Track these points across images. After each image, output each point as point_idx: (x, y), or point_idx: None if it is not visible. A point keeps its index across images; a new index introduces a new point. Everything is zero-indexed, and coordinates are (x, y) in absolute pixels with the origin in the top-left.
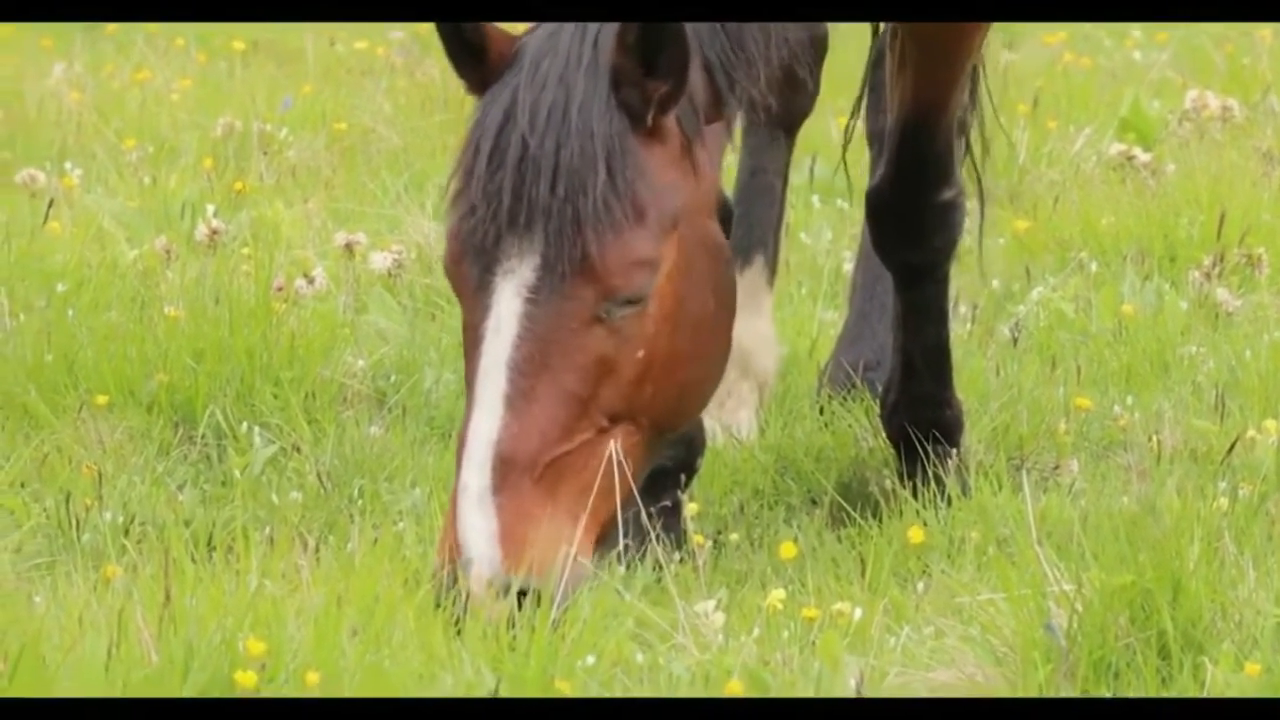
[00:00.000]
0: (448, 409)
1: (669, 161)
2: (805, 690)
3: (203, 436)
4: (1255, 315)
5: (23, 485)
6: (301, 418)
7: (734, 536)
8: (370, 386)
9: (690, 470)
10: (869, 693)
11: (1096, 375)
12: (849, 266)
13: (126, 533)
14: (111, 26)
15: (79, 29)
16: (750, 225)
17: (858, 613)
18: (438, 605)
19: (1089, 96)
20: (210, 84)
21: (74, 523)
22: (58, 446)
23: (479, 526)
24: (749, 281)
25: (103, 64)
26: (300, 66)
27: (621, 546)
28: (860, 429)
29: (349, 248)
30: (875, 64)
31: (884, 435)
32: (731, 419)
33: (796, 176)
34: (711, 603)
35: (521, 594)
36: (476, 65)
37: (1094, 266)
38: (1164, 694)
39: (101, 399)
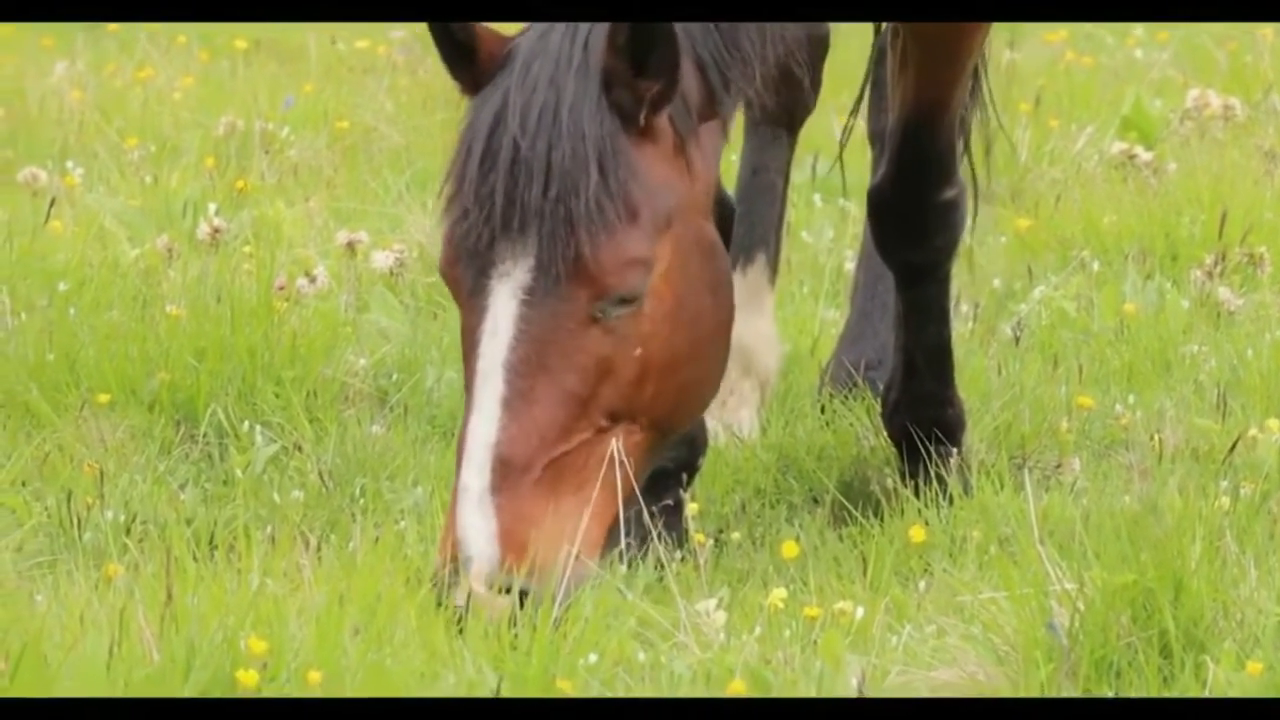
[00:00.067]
0: (449, 408)
1: (662, 161)
2: (807, 689)
3: (204, 435)
4: (1257, 314)
5: (24, 484)
6: (303, 416)
7: (735, 535)
8: (372, 385)
9: (692, 469)
10: (871, 692)
11: (1098, 374)
12: (851, 265)
13: (128, 531)
14: (113, 25)
15: (80, 27)
16: (752, 224)
17: (859, 612)
18: (439, 604)
19: (1091, 95)
20: (212, 83)
21: (75, 521)
22: (59, 445)
23: (479, 526)
24: (751, 280)
25: (104, 63)
26: (302, 65)
27: (623, 545)
28: (862, 428)
29: (351, 246)
30: (877, 63)
31: (886, 434)
32: (733, 418)
33: (798, 175)
34: (713, 601)
35: (523, 594)
36: (468, 66)
37: (1096, 265)
38: (1166, 693)
39: (103, 398)
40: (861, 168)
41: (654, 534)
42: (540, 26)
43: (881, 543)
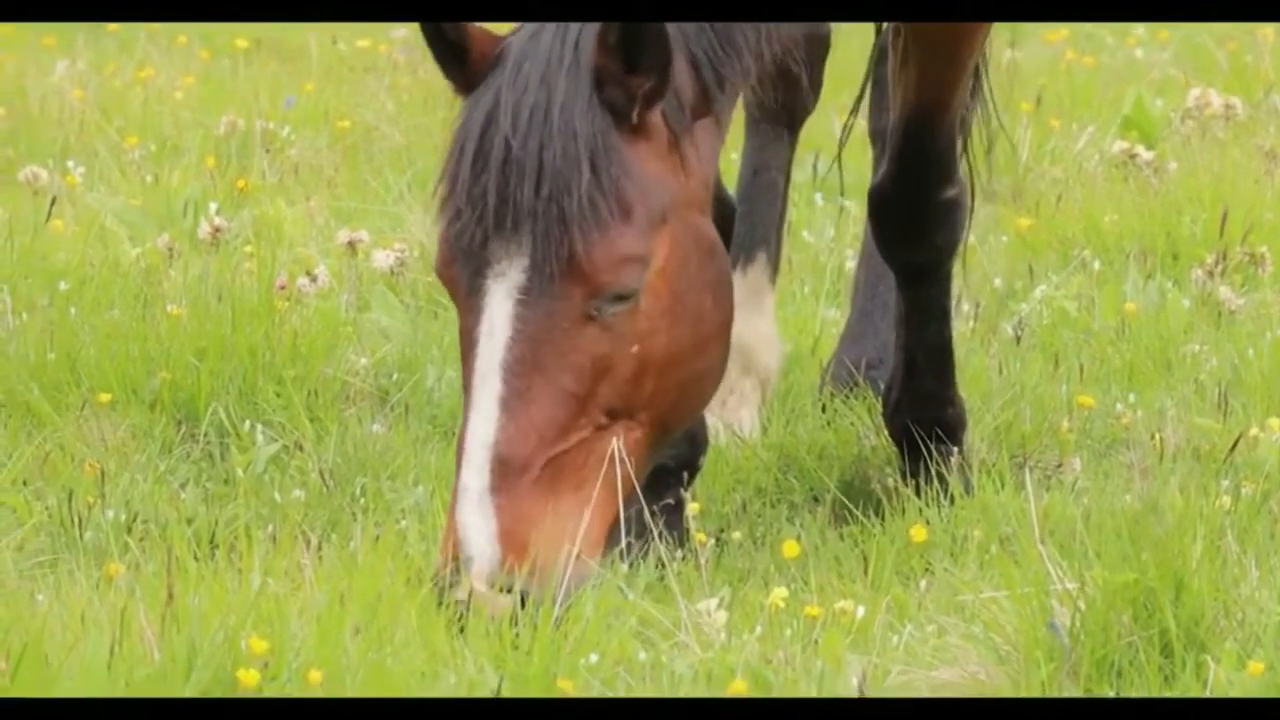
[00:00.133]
0: (450, 407)
1: (655, 157)
2: (808, 689)
3: (205, 434)
4: (1258, 313)
5: (25, 483)
6: (304, 416)
7: (736, 534)
8: (373, 384)
9: (693, 468)
10: (871, 691)
11: (1099, 373)
12: (851, 264)
13: (129, 531)
14: (114, 24)
15: (81, 27)
16: (753, 223)
17: (860, 611)
18: (440, 604)
19: (1092, 95)
20: (213, 82)
21: (76, 521)
22: (60, 444)
23: (479, 526)
24: (751, 279)
25: (105, 62)
26: (303, 64)
27: (624, 545)
28: (863, 427)
29: (351, 246)
30: (878, 62)
31: (886, 433)
32: (734, 417)
33: (799, 174)
34: (714, 601)
35: (524, 595)
36: (461, 66)
37: (1097, 264)
38: (1167, 693)
39: (104, 397)
40: (863, 167)
41: (655, 533)
42: (531, 26)
43: (882, 542)
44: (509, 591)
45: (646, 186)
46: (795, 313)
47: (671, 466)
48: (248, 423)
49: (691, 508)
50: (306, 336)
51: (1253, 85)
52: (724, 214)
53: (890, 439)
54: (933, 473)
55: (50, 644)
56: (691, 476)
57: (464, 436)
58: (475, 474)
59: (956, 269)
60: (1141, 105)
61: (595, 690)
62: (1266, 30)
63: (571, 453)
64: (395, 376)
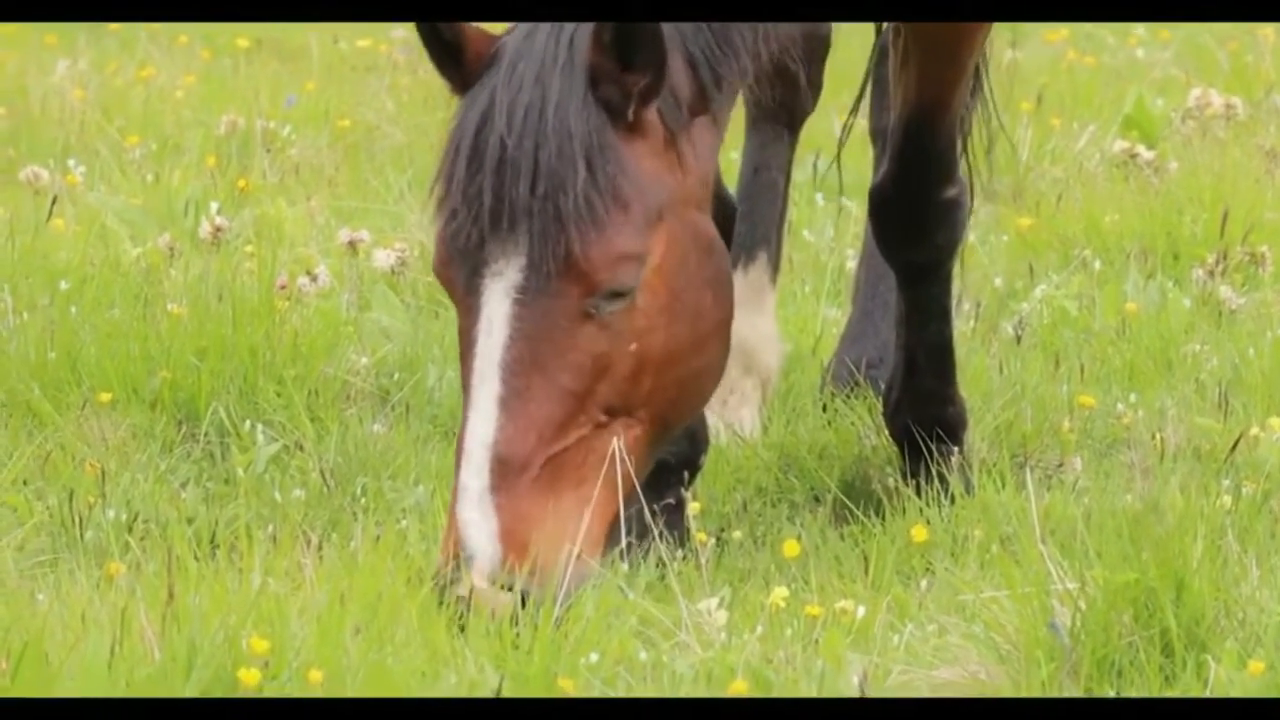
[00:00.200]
0: (451, 406)
1: (652, 155)
2: (809, 688)
3: (206, 434)
4: (1258, 313)
5: (26, 483)
6: (304, 415)
7: (737, 534)
8: (373, 384)
9: (693, 467)
10: (872, 690)
11: (1100, 373)
12: (852, 264)
13: (129, 530)
14: (115, 24)
15: (82, 27)
16: (753, 223)
17: (861, 611)
18: (441, 604)
19: (1092, 94)
20: (214, 81)
21: (77, 520)
22: (61, 444)
23: (479, 524)
24: (752, 279)
25: (106, 61)
26: (304, 64)
27: (625, 544)
28: (863, 427)
29: (352, 245)
30: (878, 62)
31: (887, 433)
32: (734, 416)
33: (799, 174)
34: (714, 600)
35: (524, 594)
36: (456, 66)
37: (1097, 264)
38: (1167, 692)
39: (104, 396)
40: (863, 167)
41: (655, 533)
42: (526, 25)
43: (883, 541)
44: (510, 589)
45: (643, 184)
46: (796, 312)
47: (672, 466)
48: (248, 422)
49: (692, 507)
50: (307, 336)
51: (1253, 85)
52: (725, 213)
53: (891, 438)
54: (933, 472)
55: (51, 643)
56: (692, 476)
57: (463, 436)
58: (475, 474)
59: (957, 268)
60: (1142, 105)
61: (596, 690)
62: (1267, 30)
63: (571, 451)
64: (396, 376)
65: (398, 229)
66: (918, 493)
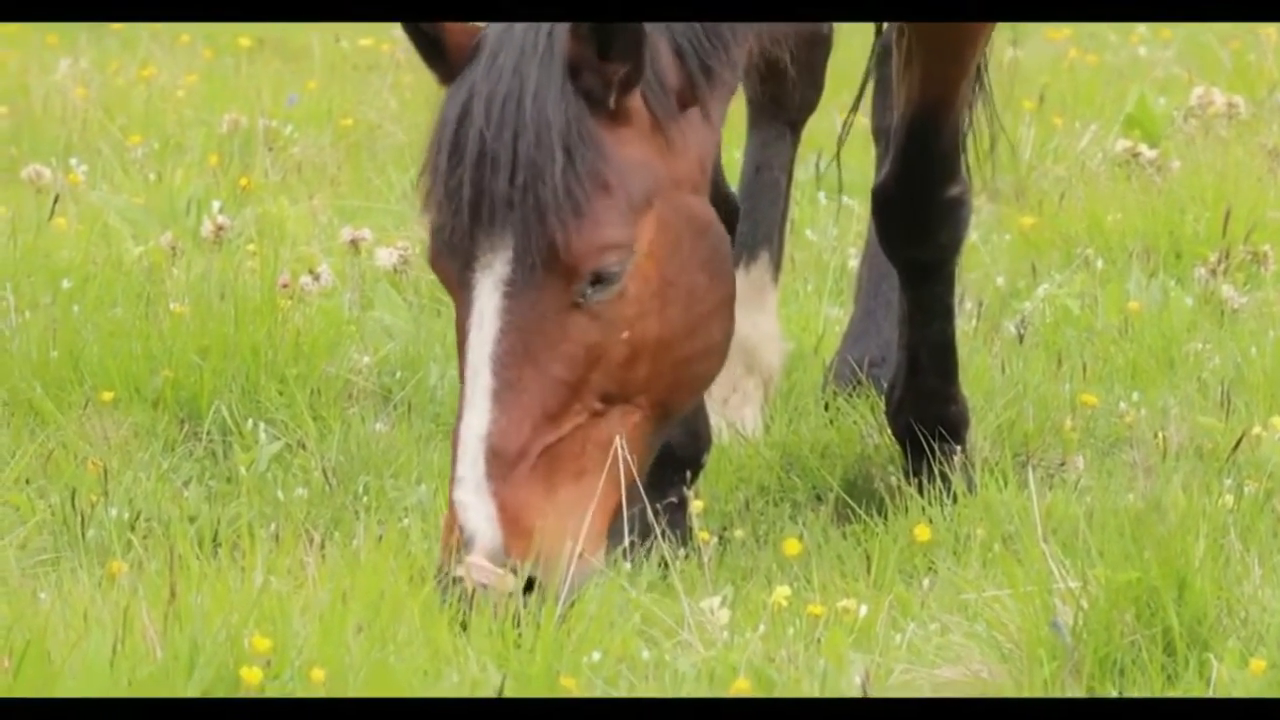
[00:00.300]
0: (452, 405)
1: (637, 141)
2: (811, 687)
3: (208, 433)
4: (1261, 312)
5: (28, 481)
6: (307, 414)
7: (739, 533)
8: (375, 383)
9: (696, 466)
10: (874, 689)
11: (1102, 372)
12: (854, 263)
13: (132, 529)
14: (117, 24)
15: (84, 26)
16: (755, 221)
17: (863, 609)
18: (443, 602)
19: (1095, 93)
20: (216, 80)
21: (79, 519)
22: (63, 443)
23: (476, 507)
24: (754, 278)
25: (108, 60)
26: (306, 63)
27: (627, 543)
28: (865, 425)
29: (354, 244)
30: (880, 60)
31: (889, 432)
32: (736, 415)
33: (801, 173)
34: (717, 599)
35: (528, 581)
36: (440, 60)
37: (1100, 263)
38: (1169, 691)
39: (107, 395)
40: (865, 166)
41: (658, 531)
42: None
43: (885, 540)
44: (514, 573)
45: (626, 171)
46: (798, 311)
47: (675, 464)
48: (250, 421)
49: (695, 506)
50: (309, 335)
51: (1256, 84)
52: (727, 212)
53: (893, 437)
54: (936, 471)
55: (53, 642)
56: (695, 474)
57: (458, 429)
58: (470, 465)
59: (959, 267)
60: (1144, 104)
61: (598, 688)
62: (1269, 29)
63: (568, 440)
64: (398, 375)
65: (400, 227)
66: (920, 492)
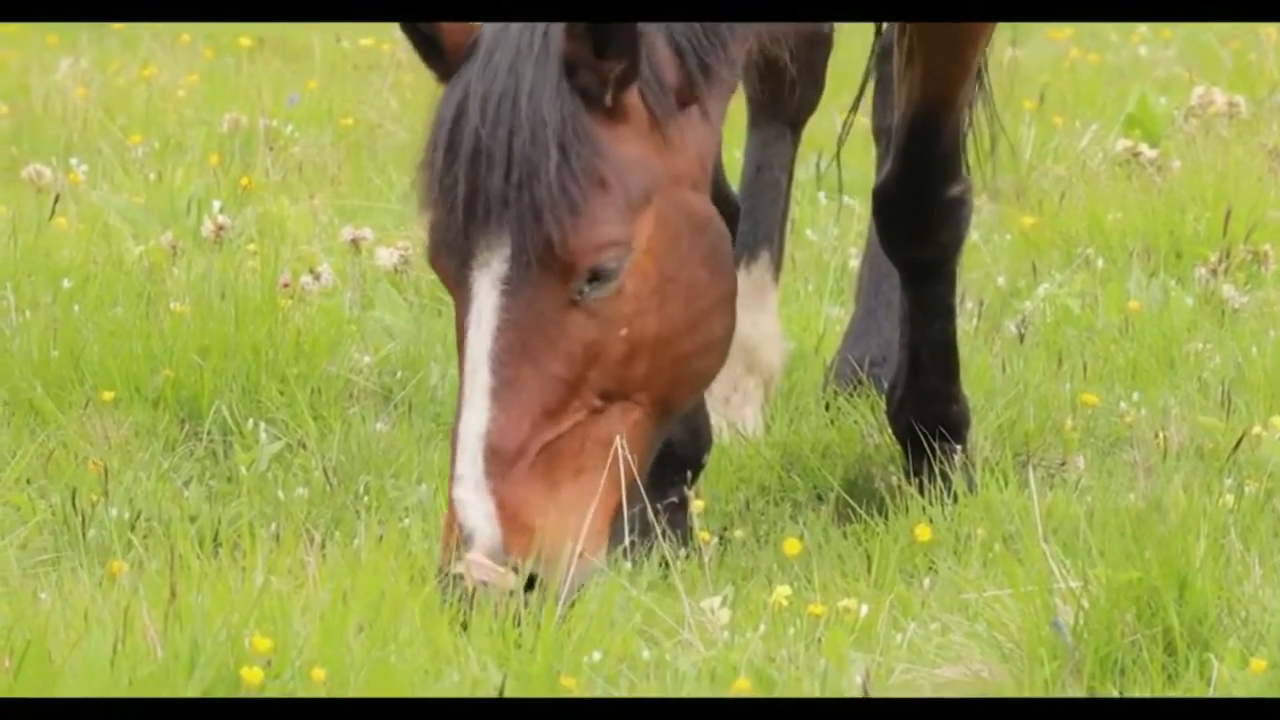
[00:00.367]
0: (453, 404)
1: (635, 139)
2: (811, 687)
3: (208, 432)
4: (1261, 311)
5: (29, 481)
6: (307, 414)
7: (740, 533)
8: (376, 382)
9: (696, 466)
10: (875, 689)
11: (1103, 371)
12: (855, 263)
13: (132, 529)
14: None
15: (85, 25)
16: (756, 221)
17: (864, 609)
18: (444, 602)
19: (1095, 93)
20: (216, 80)
21: (80, 519)
22: (63, 442)
23: (475, 504)
24: (755, 277)
25: (109, 60)
26: (306, 62)
27: (628, 543)
28: (866, 425)
29: (355, 243)
30: (881, 60)
31: (890, 431)
32: (737, 415)
33: (802, 173)
34: (717, 599)
35: (529, 578)
36: (438, 59)
37: (1100, 263)
38: (1170, 691)
39: (107, 395)
40: (866, 165)
41: (659, 531)
42: None
43: (886, 540)
44: (515, 571)
45: (624, 168)
46: (799, 311)
47: (675, 464)
48: (251, 421)
49: (695, 505)
50: (310, 334)
51: (1256, 83)
52: (728, 212)
53: (894, 437)
54: (936, 471)
55: (53, 642)
56: (695, 474)
57: (457, 428)
58: (469, 463)
59: (960, 267)
60: (1145, 103)
61: (598, 688)
62: (1270, 29)
63: (567, 437)
64: (399, 374)
65: (400, 227)
66: (921, 491)
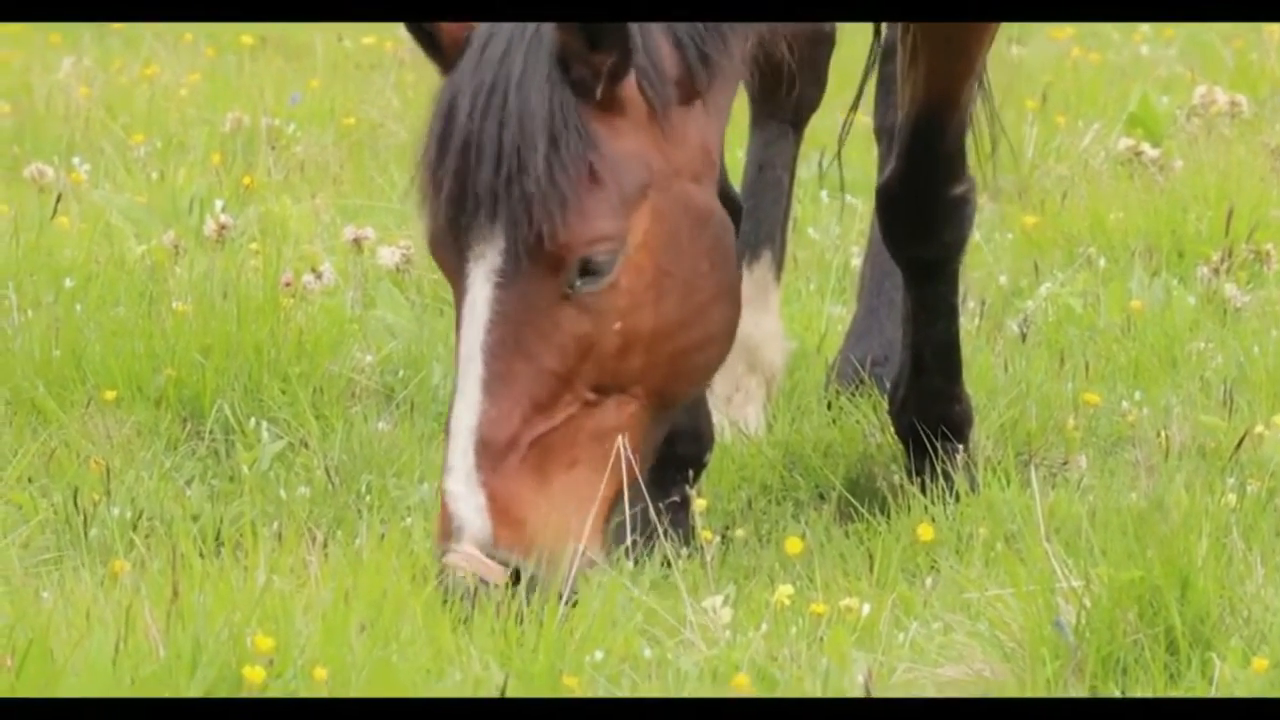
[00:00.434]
0: None
1: (631, 131)
2: (813, 686)
3: (210, 432)
4: (1263, 310)
5: (30, 480)
6: (309, 413)
7: (741, 532)
8: (378, 382)
9: (698, 465)
10: (877, 688)
11: (1105, 371)
12: (857, 262)
13: (134, 528)
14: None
15: (87, 24)
16: (758, 220)
17: (865, 608)
18: (445, 601)
19: (1097, 92)
20: (218, 79)
21: (82, 518)
22: (65, 442)
23: (465, 497)
24: (757, 277)
25: (111, 59)
26: (308, 61)
27: (630, 542)
28: (868, 424)
29: (357, 243)
30: (883, 59)
31: (892, 431)
32: (739, 414)
33: (804, 172)
34: (719, 598)
35: (520, 573)
36: (438, 54)
37: (1102, 262)
38: (1172, 690)
39: (109, 394)
40: (868, 164)
41: (660, 530)
42: None
43: (888, 539)
44: (505, 564)
45: (618, 162)
46: (801, 310)
47: (677, 463)
48: (253, 420)
49: (697, 505)
50: (312, 334)
51: (1259, 83)
52: (730, 211)
53: (896, 436)
54: (938, 470)
55: (55, 641)
56: (697, 474)
57: (450, 421)
58: (460, 455)
59: (962, 266)
60: (1147, 102)
61: (600, 687)
62: (1272, 28)
63: (560, 430)
64: (401, 373)
65: (402, 226)
66: (923, 491)
